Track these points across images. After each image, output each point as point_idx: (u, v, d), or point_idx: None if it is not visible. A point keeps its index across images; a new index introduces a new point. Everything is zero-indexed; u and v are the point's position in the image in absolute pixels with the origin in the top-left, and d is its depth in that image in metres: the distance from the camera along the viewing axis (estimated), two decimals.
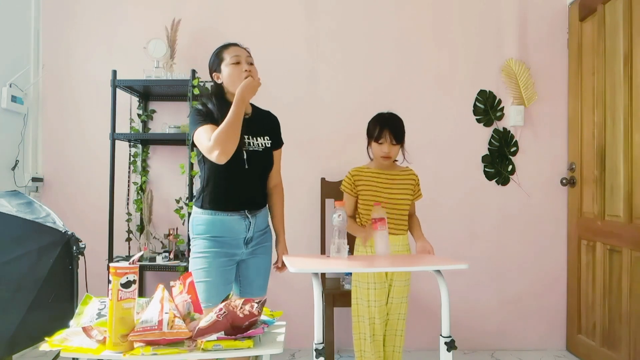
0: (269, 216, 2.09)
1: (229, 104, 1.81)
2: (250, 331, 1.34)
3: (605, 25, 2.72)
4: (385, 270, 2.13)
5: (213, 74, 1.97)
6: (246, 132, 1.90)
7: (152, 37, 2.93)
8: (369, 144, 2.25)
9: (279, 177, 2.11)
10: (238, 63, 1.89)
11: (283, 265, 2.05)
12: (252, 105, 2.01)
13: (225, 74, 1.91)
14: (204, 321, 1.32)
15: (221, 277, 1.85)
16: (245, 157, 1.88)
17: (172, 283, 1.52)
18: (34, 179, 3.10)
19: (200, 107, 1.91)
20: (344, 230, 1.91)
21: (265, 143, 1.97)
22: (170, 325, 1.28)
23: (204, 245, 1.88)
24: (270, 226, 2.08)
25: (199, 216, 1.91)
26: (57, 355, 2.01)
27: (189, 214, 2.43)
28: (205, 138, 1.79)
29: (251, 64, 1.93)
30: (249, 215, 1.93)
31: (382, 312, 2.16)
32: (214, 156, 1.76)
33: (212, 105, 1.89)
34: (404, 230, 2.22)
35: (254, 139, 1.94)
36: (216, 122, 1.81)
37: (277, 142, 2.05)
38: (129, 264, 1.31)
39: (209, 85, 2.41)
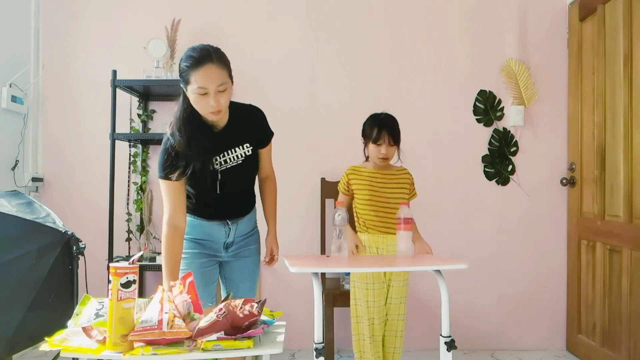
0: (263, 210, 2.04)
1: (200, 124, 1.73)
2: (250, 331, 1.34)
3: (605, 25, 2.72)
4: (385, 270, 2.13)
5: (181, 84, 1.70)
6: (220, 149, 1.78)
7: (152, 37, 2.93)
8: (365, 145, 2.26)
9: (270, 170, 2.01)
10: (205, 94, 1.63)
11: (271, 259, 2.02)
12: (229, 104, 1.78)
13: (192, 99, 1.66)
14: (204, 321, 1.32)
15: (201, 278, 1.82)
16: (219, 178, 1.79)
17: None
18: (34, 179, 3.10)
19: (168, 145, 1.72)
20: (344, 229, 1.92)
21: (245, 152, 1.83)
22: (170, 325, 1.28)
23: (185, 246, 1.86)
24: (258, 228, 2.03)
25: None
26: (57, 355, 2.01)
27: None
28: (165, 204, 1.75)
29: (223, 90, 1.64)
30: (230, 223, 1.89)
31: (381, 313, 2.16)
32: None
33: (180, 134, 1.70)
34: None
35: (231, 151, 1.80)
36: (180, 166, 1.70)
37: (262, 141, 1.90)
38: (129, 264, 1.31)
39: None
